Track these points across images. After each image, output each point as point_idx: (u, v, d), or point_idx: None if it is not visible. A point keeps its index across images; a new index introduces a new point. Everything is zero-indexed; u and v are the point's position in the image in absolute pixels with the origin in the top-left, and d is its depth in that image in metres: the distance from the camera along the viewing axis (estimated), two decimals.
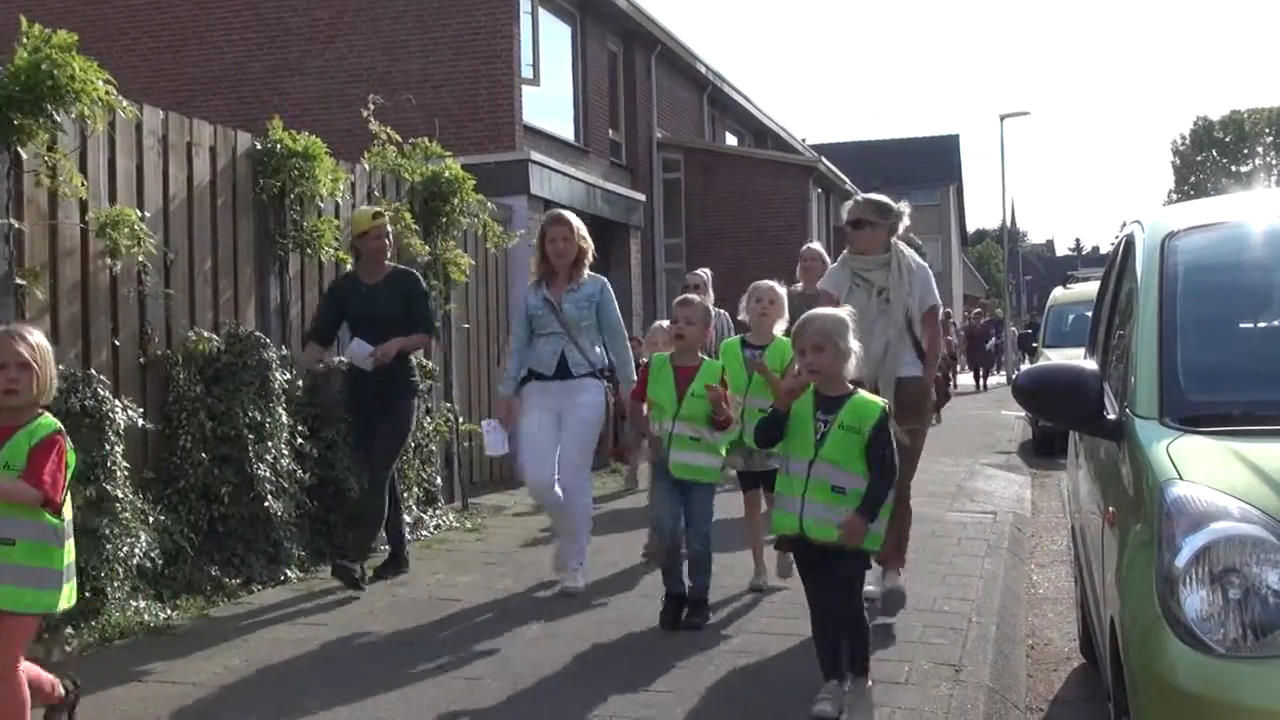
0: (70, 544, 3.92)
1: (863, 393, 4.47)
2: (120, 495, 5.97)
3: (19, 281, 5.80)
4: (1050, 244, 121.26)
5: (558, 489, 6.62)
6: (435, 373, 9.28)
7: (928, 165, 58.98)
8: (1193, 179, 75.84)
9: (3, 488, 3.72)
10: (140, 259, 6.56)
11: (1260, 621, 2.78)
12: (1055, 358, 12.24)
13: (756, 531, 6.68)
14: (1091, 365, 4.08)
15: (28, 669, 4.02)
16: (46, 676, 4.18)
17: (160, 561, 6.26)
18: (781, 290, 6.56)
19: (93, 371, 6.14)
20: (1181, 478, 3.04)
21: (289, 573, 7.11)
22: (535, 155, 13.70)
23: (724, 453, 5.93)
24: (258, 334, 7.30)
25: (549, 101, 18.18)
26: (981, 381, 29.34)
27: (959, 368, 28.87)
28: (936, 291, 6.37)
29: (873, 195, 6.44)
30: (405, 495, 8.63)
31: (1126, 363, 3.86)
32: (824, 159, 26.87)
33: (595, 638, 5.70)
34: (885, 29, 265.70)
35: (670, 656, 5.33)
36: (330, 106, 15.21)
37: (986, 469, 12.56)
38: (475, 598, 6.60)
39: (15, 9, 6.27)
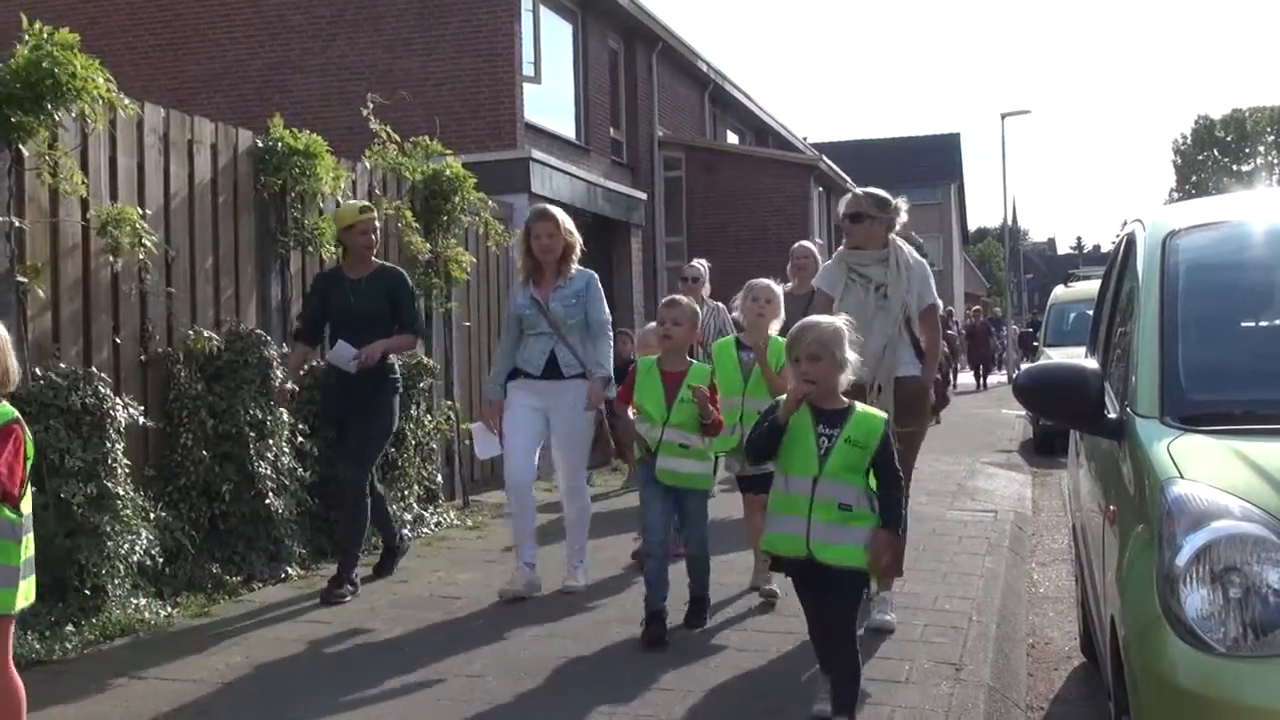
0: (29, 539, 3.75)
1: (862, 406, 4.34)
2: (121, 493, 5.98)
3: (20, 279, 5.80)
4: (1051, 242, 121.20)
5: (566, 485, 6.63)
6: (436, 370, 9.28)
7: (929, 164, 58.97)
8: (1194, 178, 75.82)
9: None
10: (141, 257, 6.56)
11: (1261, 620, 2.78)
12: (1056, 356, 12.22)
13: (759, 533, 6.54)
14: (1092, 364, 4.08)
15: None
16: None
17: (161, 559, 6.26)
18: (779, 289, 6.41)
19: (94, 369, 6.14)
20: (1182, 476, 3.04)
21: (290, 570, 7.11)
22: (536, 153, 13.71)
23: (714, 457, 5.81)
24: (259, 332, 7.31)
25: (550, 99, 18.18)
26: (982, 380, 29.32)
27: (959, 366, 28.87)
28: (935, 289, 6.20)
29: (871, 189, 6.23)
30: (406, 493, 8.65)
31: (1127, 361, 3.86)
32: (825, 157, 26.87)
33: (596, 636, 5.70)
34: (886, 27, 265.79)
35: (671, 655, 5.33)
36: (331, 104, 15.22)
37: (987, 467, 12.56)
38: (476, 595, 6.60)
39: (17, 7, 6.27)
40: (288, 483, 7.22)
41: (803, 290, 7.98)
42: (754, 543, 6.53)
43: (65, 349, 6.12)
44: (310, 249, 8.04)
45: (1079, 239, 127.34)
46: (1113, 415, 3.75)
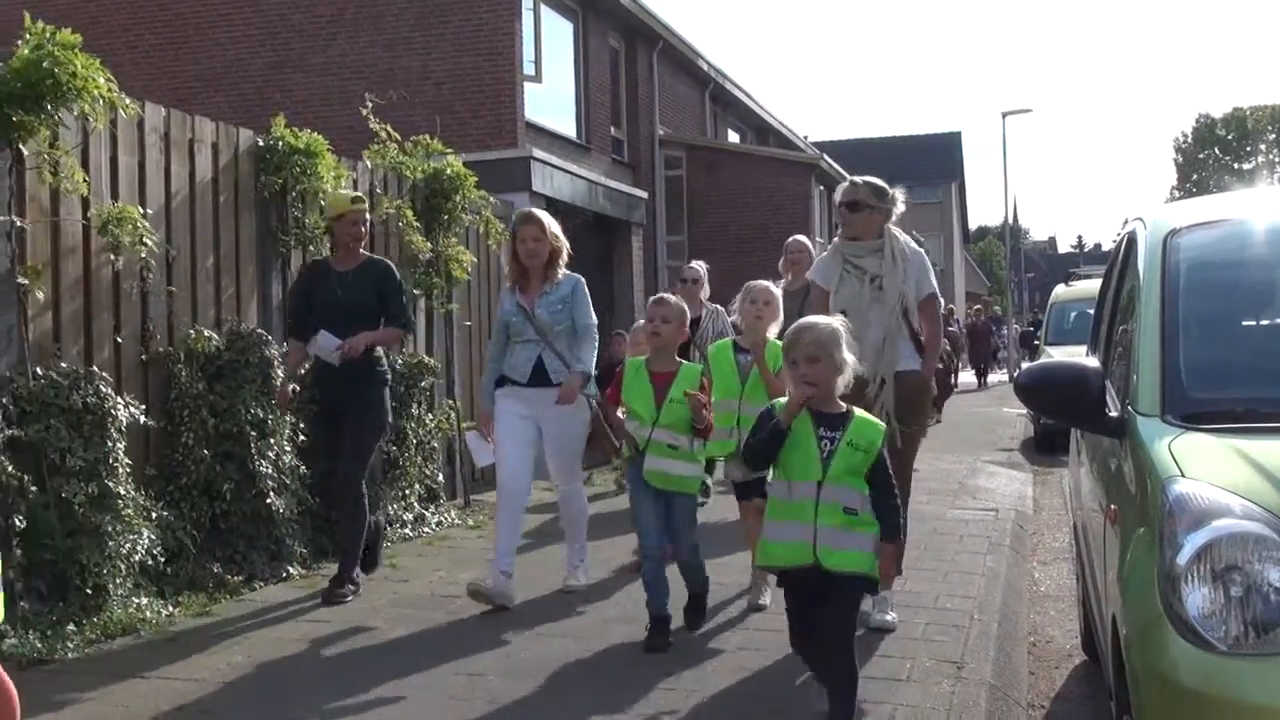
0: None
1: (860, 412, 4.27)
2: (122, 492, 5.98)
3: (21, 280, 5.80)
4: (1052, 241, 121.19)
5: (561, 489, 6.61)
6: (437, 369, 9.29)
7: (930, 162, 58.98)
8: (1195, 176, 75.84)
9: None
10: (143, 256, 6.56)
11: (1262, 619, 2.78)
12: (1057, 355, 12.23)
13: (755, 539, 6.26)
14: (1093, 363, 4.08)
15: None
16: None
17: (162, 558, 6.27)
18: (778, 292, 6.24)
19: (95, 368, 6.15)
20: (1183, 475, 3.04)
21: (291, 570, 7.11)
22: (537, 152, 13.73)
23: (703, 459, 5.73)
24: (260, 331, 7.30)
25: (551, 98, 18.19)
26: (982, 379, 29.32)
27: (960, 365, 28.86)
28: (935, 279, 6.05)
29: (870, 178, 6.06)
30: (407, 492, 8.65)
31: (1128, 360, 3.86)
32: (826, 156, 26.87)
33: (597, 636, 5.70)
34: (887, 26, 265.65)
35: (672, 655, 5.33)
36: (332, 103, 15.23)
37: (988, 466, 12.56)
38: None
39: (19, 6, 6.27)
40: (289, 482, 7.22)
41: (797, 285, 7.95)
42: (751, 548, 6.34)
43: (66, 348, 6.12)
44: (311, 248, 8.03)
45: (1080, 238, 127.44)
46: (1114, 414, 3.75)
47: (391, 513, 8.39)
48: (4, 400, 5.58)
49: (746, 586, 6.37)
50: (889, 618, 5.66)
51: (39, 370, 5.84)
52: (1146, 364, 3.60)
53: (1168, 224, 4.13)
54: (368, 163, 9.11)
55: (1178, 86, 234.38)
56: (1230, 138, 77.92)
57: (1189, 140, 79.48)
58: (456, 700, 4.76)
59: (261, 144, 7.75)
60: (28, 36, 5.73)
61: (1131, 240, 4.48)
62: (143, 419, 6.37)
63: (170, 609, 6.14)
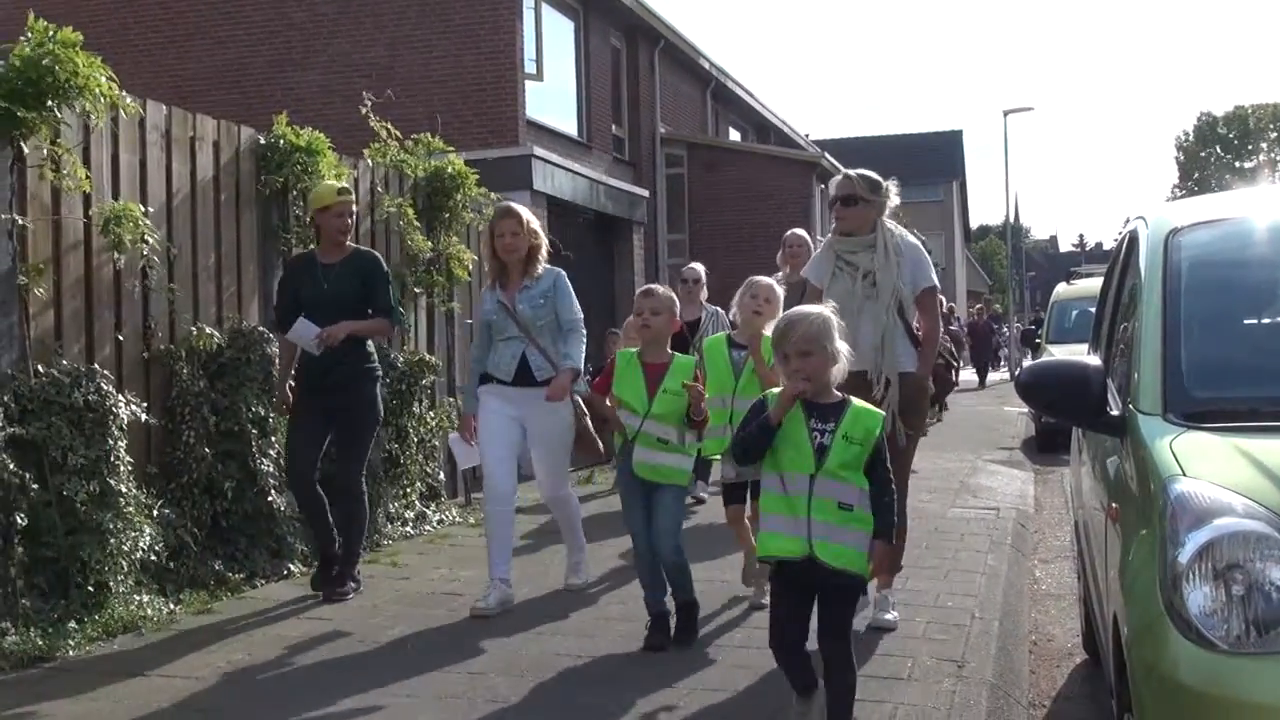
0: None
1: (858, 401, 4.10)
2: (124, 490, 5.98)
3: (22, 278, 5.81)
4: (1054, 240, 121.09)
5: (549, 495, 6.50)
6: (438, 368, 9.29)
7: (931, 161, 58.96)
8: (1196, 175, 75.84)
9: None
10: (144, 254, 6.57)
11: (1263, 618, 2.77)
12: (1059, 354, 12.23)
13: (748, 544, 6.06)
14: (1095, 361, 4.07)
15: None
16: None
17: (164, 556, 6.28)
18: (780, 291, 6.11)
19: (96, 366, 6.15)
20: (1185, 474, 3.04)
21: (292, 567, 7.12)
22: (538, 150, 13.72)
23: (694, 454, 5.55)
24: (261, 329, 7.31)
25: (552, 97, 18.18)
26: (983, 378, 29.31)
27: (961, 363, 28.84)
28: (933, 273, 5.89)
29: (863, 170, 5.89)
30: (408, 490, 8.65)
31: (1130, 359, 3.86)
32: (827, 154, 26.84)
33: (599, 634, 5.71)
34: (889, 24, 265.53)
35: (674, 652, 5.33)
36: (333, 101, 15.22)
37: (989, 465, 12.56)
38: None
39: (23, 5, 6.28)
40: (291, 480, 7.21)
41: (796, 279, 7.90)
42: (746, 551, 6.20)
43: (68, 346, 6.13)
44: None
45: (1081, 236, 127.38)
46: (1115, 412, 3.75)
47: (392, 510, 8.40)
48: (5, 398, 5.59)
49: (748, 589, 6.28)
50: (889, 617, 5.65)
51: (40, 368, 5.84)
52: (1148, 362, 3.60)
53: (1169, 222, 4.12)
54: (369, 161, 9.11)
55: (1179, 84, 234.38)
56: (1232, 136, 77.88)
57: (1190, 138, 79.47)
58: (458, 698, 4.76)
59: (263, 142, 7.76)
60: (30, 35, 5.73)
61: (1133, 239, 4.48)
62: (144, 417, 6.37)
63: (172, 607, 6.14)
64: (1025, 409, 16.17)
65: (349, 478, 6.66)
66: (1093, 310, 6.17)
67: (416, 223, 9.13)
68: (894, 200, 5.81)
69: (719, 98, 26.29)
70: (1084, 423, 4.37)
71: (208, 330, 6.99)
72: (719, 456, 6.17)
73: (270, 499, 6.98)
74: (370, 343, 6.78)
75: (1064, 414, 4.17)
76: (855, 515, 3.97)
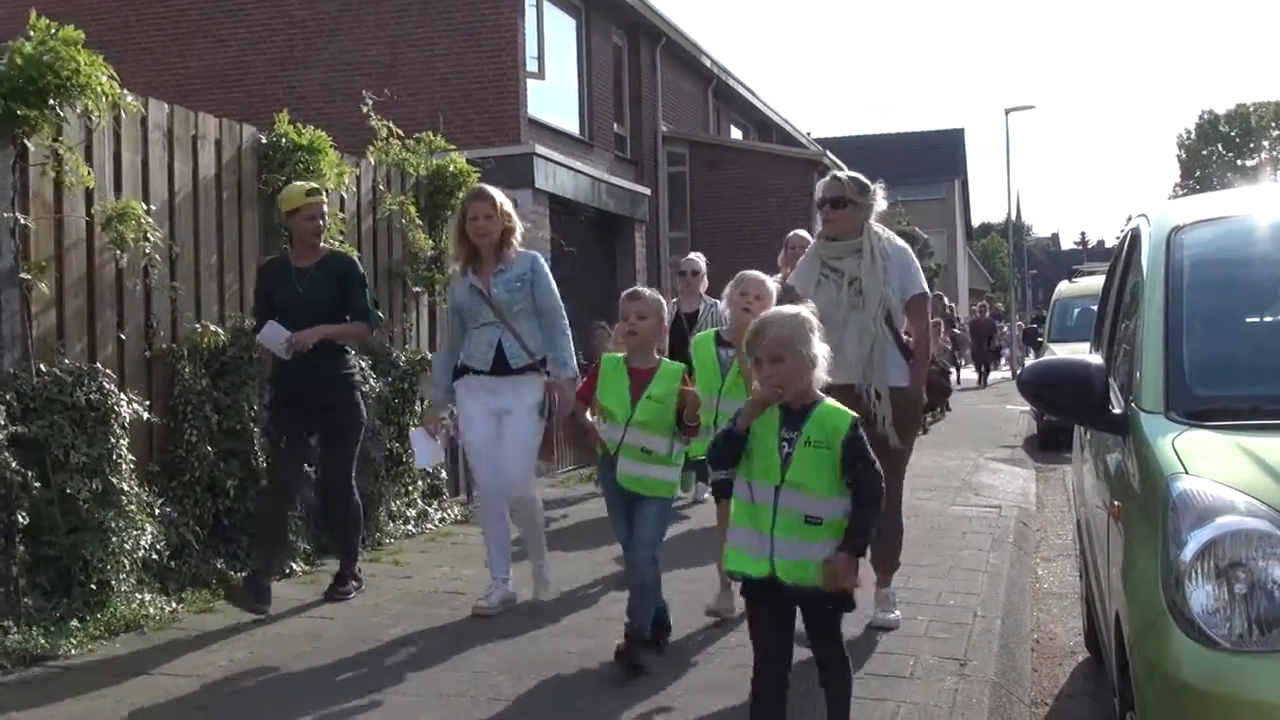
0: None
1: (830, 401, 3.79)
2: (126, 488, 5.99)
3: (24, 276, 5.81)
4: (1055, 238, 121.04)
5: (514, 495, 6.09)
6: None
7: (933, 159, 58.95)
8: (1198, 173, 75.75)
9: None
10: (146, 252, 6.58)
11: (1266, 616, 2.77)
12: (1060, 352, 12.24)
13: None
14: (1097, 359, 4.07)
15: None
16: None
17: (166, 555, 6.28)
18: (773, 285, 5.79)
19: (98, 365, 6.15)
20: (1187, 472, 3.04)
21: (294, 566, 7.12)
22: (540, 149, 13.70)
23: (681, 463, 5.21)
24: None
25: (554, 95, 18.18)
26: (984, 377, 29.29)
27: (963, 362, 28.82)
28: (923, 278, 5.68)
29: (853, 172, 5.70)
30: (410, 489, 8.65)
31: (1132, 357, 3.85)
32: (829, 153, 26.84)
33: (600, 633, 5.70)
34: (890, 23, 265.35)
35: (675, 652, 5.33)
36: (335, 99, 15.21)
37: (991, 463, 12.56)
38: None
39: (24, 3, 6.28)
40: None
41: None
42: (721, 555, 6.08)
43: (70, 345, 6.13)
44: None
45: (1083, 234, 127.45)
46: (1117, 410, 3.75)
47: (394, 509, 8.40)
48: (8, 397, 5.59)
49: (705, 611, 5.91)
50: (893, 615, 5.64)
51: (43, 367, 5.85)
52: (1150, 361, 3.59)
53: (1171, 220, 4.12)
54: (371, 159, 9.11)
55: (1181, 83, 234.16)
56: (1234, 134, 77.79)
57: (1192, 136, 79.37)
58: (460, 697, 4.76)
59: (265, 140, 7.75)
60: (31, 33, 5.73)
61: (1135, 237, 4.48)
62: (146, 415, 6.37)
63: (174, 605, 6.15)
64: (1027, 407, 16.18)
65: (339, 483, 6.57)
66: (1095, 308, 6.16)
67: (418, 221, 9.13)
68: (881, 204, 5.63)
69: (721, 96, 26.28)
70: (1086, 421, 4.37)
71: (211, 328, 6.99)
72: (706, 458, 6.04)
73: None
74: (350, 350, 6.63)
75: (1066, 412, 4.16)
76: (824, 529, 3.67)
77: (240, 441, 6.90)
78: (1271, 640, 2.75)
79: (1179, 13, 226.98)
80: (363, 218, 8.86)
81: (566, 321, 6.14)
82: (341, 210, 8.40)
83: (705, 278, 9.29)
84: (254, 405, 6.98)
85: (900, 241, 5.67)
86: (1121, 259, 4.95)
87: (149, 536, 6.09)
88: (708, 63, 24.28)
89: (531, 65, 16.84)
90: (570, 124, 18.91)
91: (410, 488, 8.65)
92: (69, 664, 5.26)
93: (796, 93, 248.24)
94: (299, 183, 6.79)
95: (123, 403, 6.11)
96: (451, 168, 9.52)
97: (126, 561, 5.94)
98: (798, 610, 3.82)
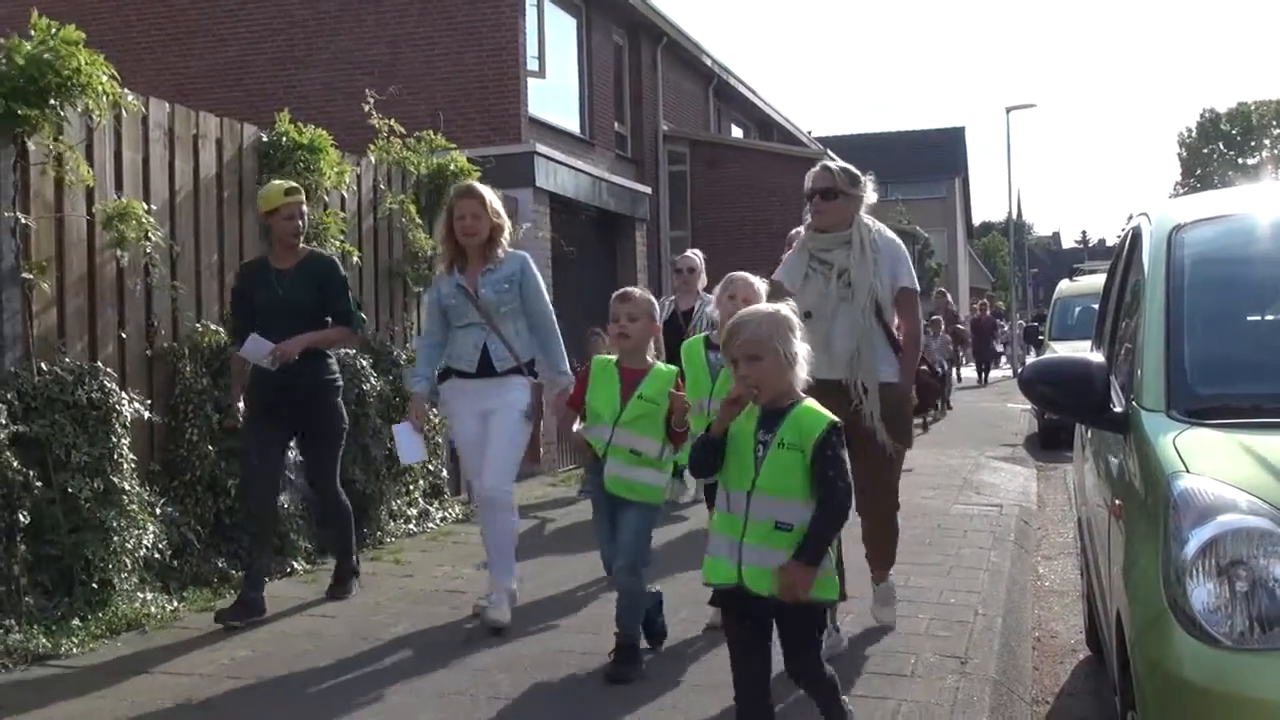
0: None
1: (809, 402, 3.61)
2: (127, 488, 5.99)
3: (25, 275, 5.81)
4: (1056, 236, 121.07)
5: (486, 494, 5.85)
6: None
7: (934, 158, 58.94)
8: (1199, 171, 75.70)
9: None
10: (147, 251, 6.58)
11: (1267, 614, 2.77)
12: (1061, 350, 12.25)
13: None
14: (1098, 358, 4.06)
15: None
16: None
17: (167, 554, 6.28)
18: (760, 285, 5.58)
19: (99, 364, 6.16)
20: (1188, 470, 3.04)
21: (295, 565, 7.13)
22: (541, 148, 13.69)
23: (670, 468, 5.05)
24: None
25: (554, 94, 18.19)
26: (984, 375, 29.26)
27: (965, 360, 28.79)
28: (913, 272, 5.52)
29: (843, 163, 5.57)
30: (411, 488, 8.65)
31: (1133, 355, 3.85)
32: (830, 152, 26.83)
33: (602, 632, 5.67)
34: (891, 22, 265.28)
35: (677, 650, 5.33)
36: (336, 98, 15.22)
37: (992, 462, 12.56)
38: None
39: (25, 2, 6.28)
40: (293, 478, 7.22)
41: None
42: None
43: (71, 344, 6.13)
44: (315, 243, 8.03)
45: (1084, 233, 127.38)
46: (1118, 409, 3.75)
47: (395, 508, 8.40)
48: (9, 396, 5.59)
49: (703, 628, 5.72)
50: (888, 611, 5.60)
51: (44, 366, 5.85)
52: (1151, 359, 3.59)
53: (1172, 219, 4.12)
54: (371, 158, 9.12)
55: (1182, 81, 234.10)
56: (1235, 133, 77.73)
57: (1193, 135, 79.30)
58: (460, 695, 4.76)
59: (265, 139, 7.76)
60: (32, 32, 5.73)
61: (1136, 235, 4.47)
62: (147, 414, 6.37)
63: (175, 604, 6.15)
64: (1028, 405, 16.20)
65: (328, 488, 6.49)
66: (1095, 307, 6.16)
67: (419, 220, 9.14)
68: (871, 195, 5.49)
69: (721, 95, 26.28)
70: (1087, 419, 4.36)
71: (212, 327, 6.99)
72: None
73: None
74: (331, 355, 6.46)
75: (1067, 411, 4.15)
76: (798, 534, 3.51)
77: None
78: (1273, 638, 2.75)
79: (1180, 11, 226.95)
80: (363, 217, 8.86)
81: (556, 324, 6.03)
82: (342, 209, 8.41)
83: (702, 275, 9.12)
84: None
85: (891, 234, 5.54)
86: (1123, 257, 4.95)
87: (150, 535, 6.09)
88: (708, 62, 24.28)
89: (532, 64, 16.84)
90: (571, 123, 18.90)
91: (411, 487, 8.66)
92: (70, 663, 5.26)
93: (797, 92, 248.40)
94: (278, 181, 6.63)
95: (124, 402, 6.11)
96: (452, 166, 9.52)
97: (128, 560, 5.94)
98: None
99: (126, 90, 6.28)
